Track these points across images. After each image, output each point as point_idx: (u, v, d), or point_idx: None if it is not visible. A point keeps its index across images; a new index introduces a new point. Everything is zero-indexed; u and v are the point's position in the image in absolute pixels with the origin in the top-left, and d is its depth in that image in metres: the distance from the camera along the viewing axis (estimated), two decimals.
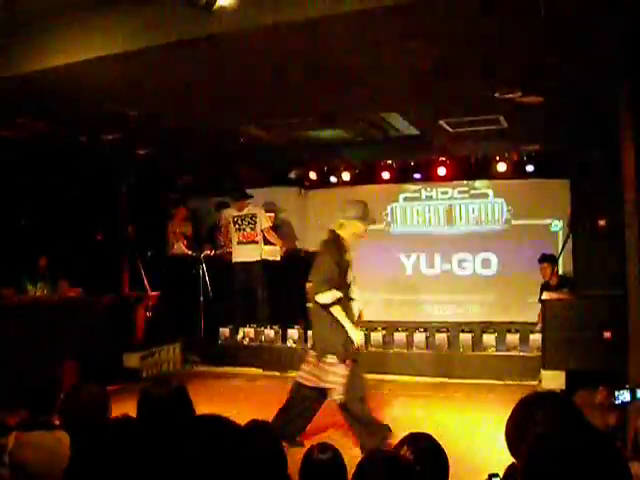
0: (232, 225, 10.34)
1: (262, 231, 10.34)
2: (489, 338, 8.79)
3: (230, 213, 10.53)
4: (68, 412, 3.55)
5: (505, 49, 5.13)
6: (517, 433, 2.45)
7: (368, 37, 4.79)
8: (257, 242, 10.34)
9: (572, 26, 4.54)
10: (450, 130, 8.07)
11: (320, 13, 4.21)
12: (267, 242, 10.43)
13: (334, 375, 5.69)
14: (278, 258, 10.47)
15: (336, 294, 5.63)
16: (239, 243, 10.30)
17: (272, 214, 11.02)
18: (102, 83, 5.69)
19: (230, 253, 10.54)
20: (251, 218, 10.36)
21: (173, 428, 2.27)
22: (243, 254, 10.26)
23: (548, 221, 10.86)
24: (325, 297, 5.63)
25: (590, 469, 1.71)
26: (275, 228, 10.90)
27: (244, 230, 10.31)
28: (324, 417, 7.10)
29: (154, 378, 3.26)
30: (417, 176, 11.53)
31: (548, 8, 4.09)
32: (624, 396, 3.42)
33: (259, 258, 10.29)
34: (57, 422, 3.71)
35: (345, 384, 5.65)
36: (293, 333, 9.65)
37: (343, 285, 5.76)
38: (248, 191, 10.61)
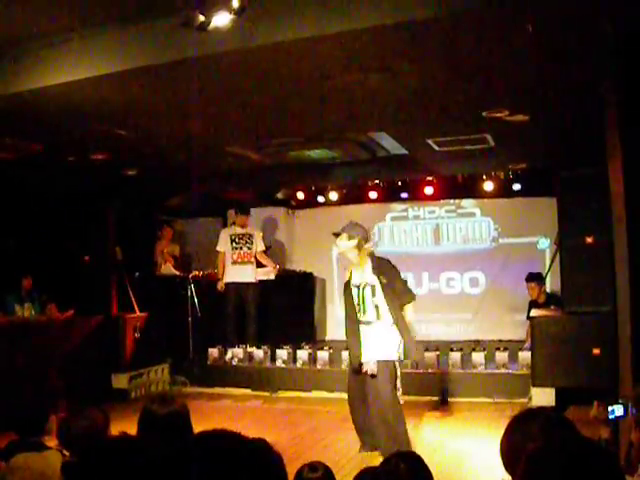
0: (229, 244, 10.28)
1: (255, 254, 10.33)
2: (478, 356, 8.79)
3: (227, 232, 10.43)
4: (68, 436, 3.53)
5: (493, 68, 5.18)
6: (512, 449, 2.45)
7: (359, 57, 4.82)
8: (252, 262, 10.27)
9: (559, 42, 4.60)
10: (437, 149, 8.11)
11: (313, 33, 4.24)
12: (259, 265, 10.42)
13: None
14: (272, 277, 10.49)
15: None
16: (234, 263, 10.17)
17: (261, 233, 10.98)
18: (93, 103, 5.69)
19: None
20: (249, 238, 10.31)
21: (175, 446, 2.25)
22: (237, 275, 10.19)
23: (535, 239, 10.94)
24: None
25: None
26: (266, 249, 10.90)
27: (241, 249, 10.21)
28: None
29: (157, 396, 3.23)
30: (404, 195, 11.62)
31: (535, 25, 4.14)
32: (618, 411, 3.43)
33: (253, 280, 10.23)
34: (49, 444, 3.68)
35: None
36: (282, 353, 9.61)
37: None
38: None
